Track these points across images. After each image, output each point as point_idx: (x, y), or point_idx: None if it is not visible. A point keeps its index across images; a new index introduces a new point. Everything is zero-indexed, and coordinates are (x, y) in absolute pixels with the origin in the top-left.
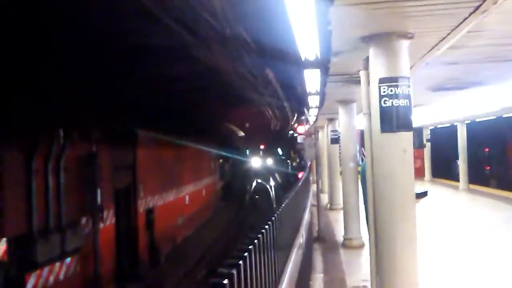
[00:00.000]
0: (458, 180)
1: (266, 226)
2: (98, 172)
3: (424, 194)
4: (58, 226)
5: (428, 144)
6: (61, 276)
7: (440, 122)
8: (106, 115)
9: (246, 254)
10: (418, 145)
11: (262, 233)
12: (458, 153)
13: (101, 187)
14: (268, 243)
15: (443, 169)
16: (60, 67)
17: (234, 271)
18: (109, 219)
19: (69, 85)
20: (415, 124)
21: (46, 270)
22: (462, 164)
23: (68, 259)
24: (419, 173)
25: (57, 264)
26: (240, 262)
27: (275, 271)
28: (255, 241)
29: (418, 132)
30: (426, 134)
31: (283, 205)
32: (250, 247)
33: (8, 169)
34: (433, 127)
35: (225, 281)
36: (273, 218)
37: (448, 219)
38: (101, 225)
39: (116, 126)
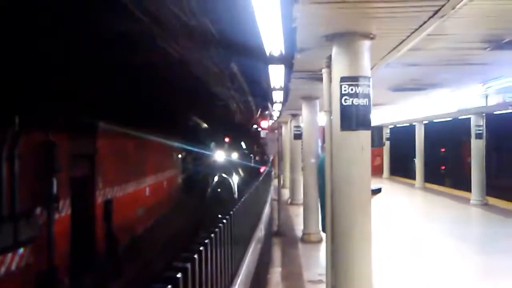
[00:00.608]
0: (415, 178)
1: (224, 220)
2: (55, 161)
3: (378, 191)
4: (11, 215)
5: (388, 143)
6: (13, 267)
7: (400, 122)
8: (65, 103)
9: (201, 248)
10: (378, 143)
11: (219, 227)
12: (416, 152)
13: (57, 177)
14: (226, 237)
15: (401, 167)
16: (18, 53)
17: (189, 265)
18: (65, 209)
19: (27, 72)
20: (375, 123)
21: None
22: (418, 163)
23: (21, 250)
24: (378, 171)
25: (9, 255)
26: (195, 255)
27: (232, 264)
28: (212, 235)
29: (378, 131)
30: (386, 133)
31: (242, 199)
32: (206, 241)
33: None
34: (392, 126)
35: (179, 275)
36: (231, 212)
37: (402, 216)
38: (57, 215)
39: (76, 115)
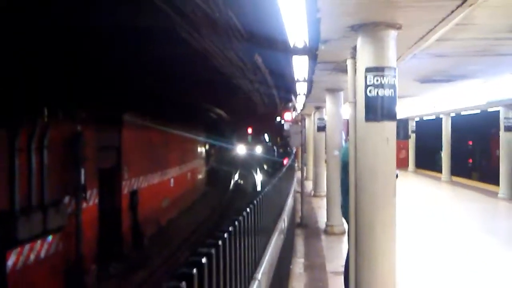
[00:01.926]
0: (441, 172)
1: (248, 209)
2: (82, 152)
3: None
4: (41, 204)
5: (413, 136)
6: (42, 254)
7: (426, 114)
8: (92, 96)
9: (225, 235)
10: (404, 136)
11: (243, 216)
12: (442, 145)
13: (85, 167)
14: (249, 226)
15: (427, 160)
16: (47, 45)
17: (213, 251)
18: (92, 199)
19: (56, 65)
20: (401, 115)
21: (27, 247)
22: (445, 156)
23: (50, 238)
24: (403, 164)
25: (39, 242)
26: (220, 242)
27: (255, 253)
28: (235, 223)
29: (404, 123)
30: (412, 126)
31: (264, 190)
32: (230, 229)
33: None
34: (418, 119)
35: (204, 260)
36: (254, 202)
37: (428, 209)
38: (84, 205)
39: (102, 107)
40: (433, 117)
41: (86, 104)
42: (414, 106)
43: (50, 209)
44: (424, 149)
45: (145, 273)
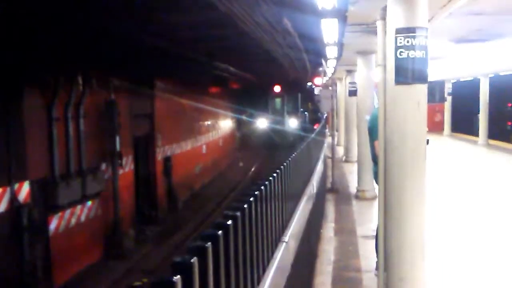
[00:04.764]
0: (478, 135)
1: (274, 175)
2: (117, 120)
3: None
4: (79, 171)
5: (449, 98)
6: (82, 218)
7: (463, 76)
8: (124, 64)
9: (251, 199)
10: (439, 98)
11: (270, 181)
12: (479, 108)
13: (120, 135)
14: (275, 191)
15: (464, 123)
16: (78, 15)
17: (239, 214)
18: (128, 165)
19: (87, 32)
20: (437, 77)
21: (67, 212)
22: (482, 119)
23: (89, 203)
24: (439, 128)
25: (79, 207)
26: (245, 206)
27: (283, 217)
28: (262, 187)
29: (439, 86)
30: (448, 88)
31: (292, 155)
32: (256, 193)
33: (30, 116)
34: (455, 81)
35: (229, 222)
36: (281, 167)
37: (462, 173)
38: (121, 171)
39: (134, 75)
40: (471, 78)
41: (118, 72)
42: (450, 68)
43: (88, 176)
44: (461, 112)
45: (180, 236)
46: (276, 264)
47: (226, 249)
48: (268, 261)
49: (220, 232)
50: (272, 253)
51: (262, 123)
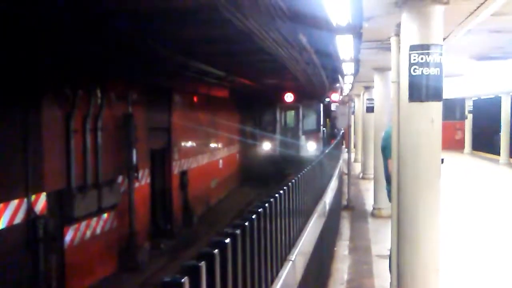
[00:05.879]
0: (499, 154)
1: (281, 192)
2: (134, 133)
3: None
4: (95, 183)
5: (470, 116)
6: (98, 231)
7: (484, 93)
8: (142, 78)
9: (254, 216)
10: (460, 116)
11: (275, 198)
12: (501, 126)
13: (136, 148)
14: (282, 208)
15: (485, 142)
16: (98, 29)
17: (238, 232)
18: (144, 178)
19: (107, 46)
20: (457, 95)
21: (83, 224)
22: (504, 137)
23: (105, 215)
24: (459, 146)
25: (94, 219)
26: (246, 223)
27: (290, 235)
28: (266, 205)
29: (460, 103)
30: (468, 105)
31: (301, 173)
32: (260, 210)
33: (48, 128)
34: (476, 98)
35: (227, 240)
36: (289, 184)
37: (483, 192)
38: (137, 184)
39: (152, 89)
40: (492, 96)
41: (136, 86)
42: (471, 85)
43: (104, 188)
44: (482, 130)
45: (195, 251)
46: (281, 283)
47: (223, 267)
48: (272, 281)
49: (216, 250)
50: (277, 272)
51: (267, 145)
